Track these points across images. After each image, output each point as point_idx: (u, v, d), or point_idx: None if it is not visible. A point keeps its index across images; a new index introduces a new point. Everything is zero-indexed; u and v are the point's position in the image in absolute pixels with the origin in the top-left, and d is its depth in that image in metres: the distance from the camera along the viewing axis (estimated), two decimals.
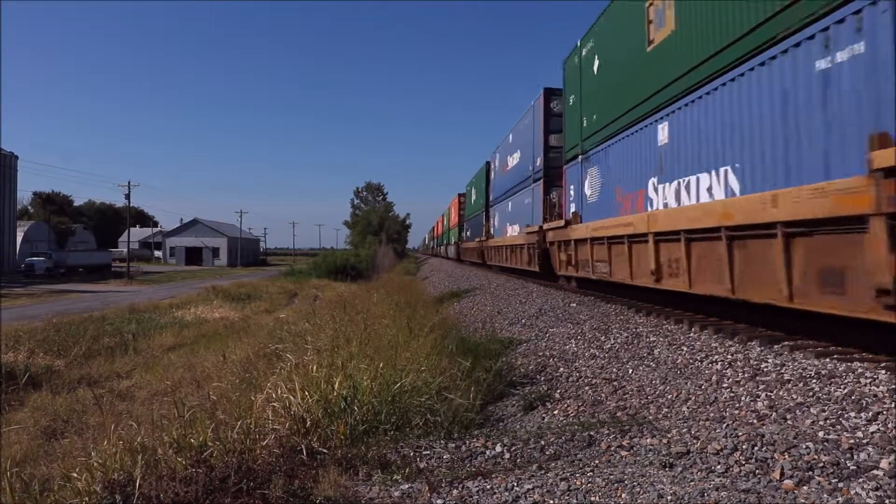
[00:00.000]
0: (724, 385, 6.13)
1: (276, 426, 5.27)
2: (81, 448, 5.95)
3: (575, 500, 4.02)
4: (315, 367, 6.56)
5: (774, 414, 5.13)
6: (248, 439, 4.91)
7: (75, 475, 4.54)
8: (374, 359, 6.78)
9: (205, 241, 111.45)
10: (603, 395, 6.97)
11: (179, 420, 5.21)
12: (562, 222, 15.03)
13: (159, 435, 4.99)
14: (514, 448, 5.23)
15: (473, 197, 34.65)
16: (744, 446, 4.52)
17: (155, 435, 5.01)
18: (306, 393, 5.85)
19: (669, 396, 6.35)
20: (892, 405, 4.77)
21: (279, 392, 5.94)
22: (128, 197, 66.64)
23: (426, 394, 6.14)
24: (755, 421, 5.10)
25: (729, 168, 7.64)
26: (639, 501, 3.91)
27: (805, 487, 3.87)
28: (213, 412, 5.45)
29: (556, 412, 6.76)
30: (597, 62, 13.03)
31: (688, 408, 5.91)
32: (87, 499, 4.20)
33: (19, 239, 69.28)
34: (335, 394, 5.84)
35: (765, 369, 6.23)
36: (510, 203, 23.55)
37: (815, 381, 5.60)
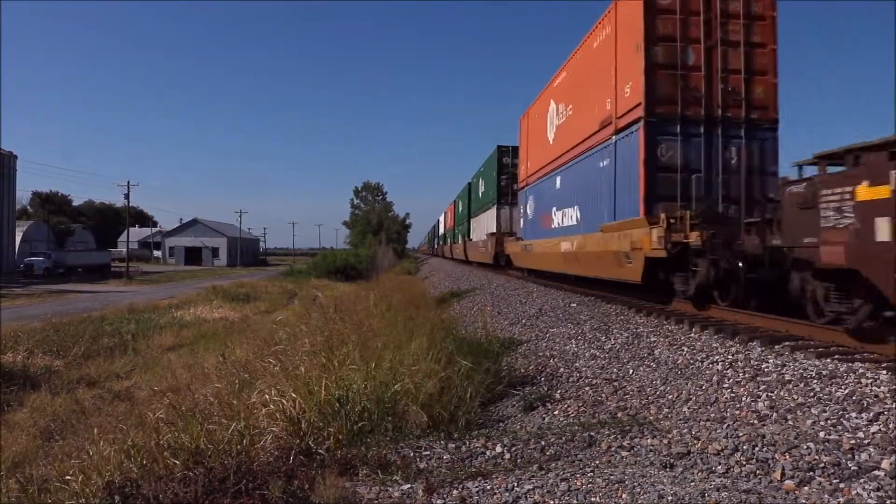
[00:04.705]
0: (725, 385, 6.11)
1: (273, 427, 5.26)
2: (78, 450, 5.94)
3: (575, 501, 4.00)
4: (304, 370, 6.53)
5: (775, 414, 5.11)
6: (244, 441, 4.89)
7: (70, 477, 4.53)
8: (367, 360, 6.75)
9: (204, 241, 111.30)
10: (603, 395, 6.95)
11: (173, 423, 5.19)
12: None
13: (155, 437, 4.97)
14: (514, 448, 5.21)
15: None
16: (745, 447, 4.51)
17: (150, 437, 5.00)
18: (297, 395, 5.81)
19: (670, 397, 6.34)
20: (893, 405, 4.76)
21: (272, 394, 5.91)
22: (127, 197, 66.60)
23: (421, 395, 6.10)
24: (756, 421, 5.09)
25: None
26: (639, 502, 3.89)
27: (806, 488, 3.86)
28: (207, 415, 5.43)
29: (556, 412, 6.74)
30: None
31: (688, 408, 5.89)
32: (83, 500, 4.18)
33: (18, 239, 69.05)
34: (325, 395, 5.81)
35: (766, 370, 6.22)
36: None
37: (816, 381, 5.59)
